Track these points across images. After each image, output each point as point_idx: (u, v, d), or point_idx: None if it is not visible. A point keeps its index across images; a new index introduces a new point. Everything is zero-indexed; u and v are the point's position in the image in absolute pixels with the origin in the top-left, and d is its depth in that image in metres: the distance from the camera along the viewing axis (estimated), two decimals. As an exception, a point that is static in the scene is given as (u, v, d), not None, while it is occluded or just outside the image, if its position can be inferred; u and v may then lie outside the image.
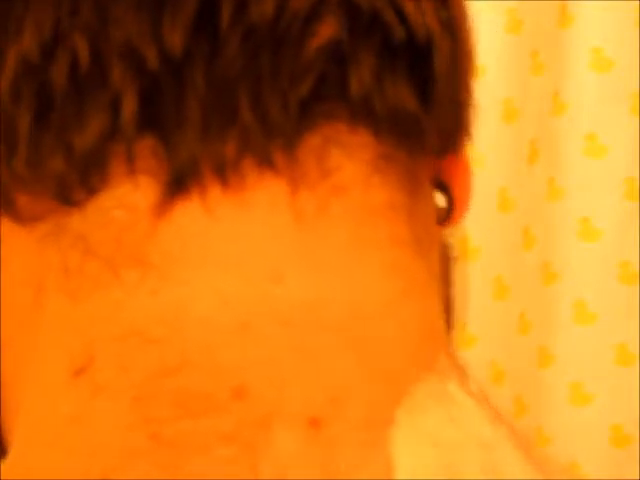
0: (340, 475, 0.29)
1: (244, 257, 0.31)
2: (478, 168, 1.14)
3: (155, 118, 0.31)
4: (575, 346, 1.21)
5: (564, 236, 1.20)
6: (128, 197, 0.31)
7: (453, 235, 1.27)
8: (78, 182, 0.31)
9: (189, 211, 0.31)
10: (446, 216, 0.37)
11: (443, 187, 0.37)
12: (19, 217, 0.32)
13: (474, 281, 1.17)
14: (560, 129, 1.18)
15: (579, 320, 1.21)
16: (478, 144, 1.28)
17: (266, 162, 0.31)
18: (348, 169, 0.32)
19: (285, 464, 0.29)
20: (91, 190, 0.31)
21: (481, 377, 1.14)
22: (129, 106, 0.31)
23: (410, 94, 0.33)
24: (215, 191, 0.31)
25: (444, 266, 0.38)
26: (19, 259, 0.33)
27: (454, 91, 0.36)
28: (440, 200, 0.38)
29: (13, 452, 0.31)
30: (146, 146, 0.31)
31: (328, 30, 0.32)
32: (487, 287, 1.17)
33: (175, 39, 0.31)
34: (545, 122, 1.18)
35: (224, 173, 0.31)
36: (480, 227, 1.16)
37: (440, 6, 0.35)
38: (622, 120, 1.18)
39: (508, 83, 1.14)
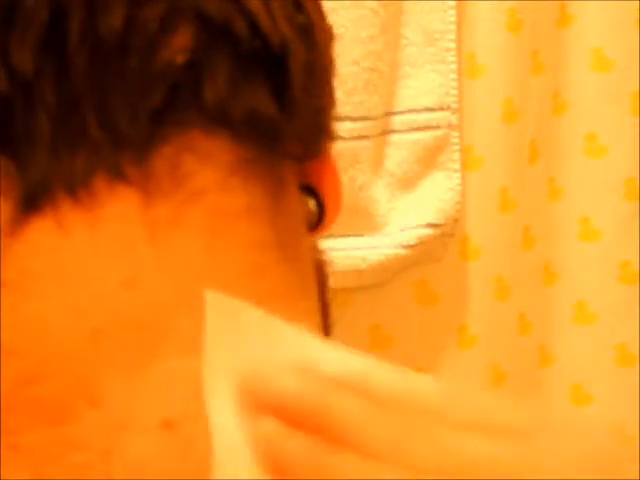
0: (195, 474, 0.30)
1: (96, 269, 0.31)
2: (478, 168, 1.14)
3: (7, 137, 0.31)
4: (575, 346, 1.21)
5: (564, 236, 1.20)
6: None
7: (454, 235, 1.27)
8: None
9: (42, 228, 0.31)
10: (317, 221, 0.38)
11: (313, 192, 0.38)
12: None
13: (474, 281, 1.17)
14: (560, 129, 1.18)
15: (579, 320, 1.21)
16: (478, 144, 1.28)
17: (117, 176, 0.32)
18: (203, 175, 0.33)
19: (139, 467, 0.30)
20: None
21: (481, 378, 1.14)
22: None
23: (267, 99, 0.34)
24: (67, 208, 0.31)
25: (319, 270, 0.39)
26: None
27: (312, 97, 0.36)
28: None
29: None
30: None
31: (180, 40, 0.32)
32: (487, 287, 1.17)
33: (24, 58, 0.31)
34: (545, 122, 1.18)
35: (74, 190, 0.31)
36: (480, 227, 1.16)
37: (295, 12, 0.35)
38: (622, 120, 1.18)
39: (508, 83, 1.14)
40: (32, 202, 0.31)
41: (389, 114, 1.10)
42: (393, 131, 1.10)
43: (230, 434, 0.29)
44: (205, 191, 0.33)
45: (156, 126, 0.32)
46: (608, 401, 1.20)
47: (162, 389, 0.31)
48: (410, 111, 1.10)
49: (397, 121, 1.10)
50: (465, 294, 1.17)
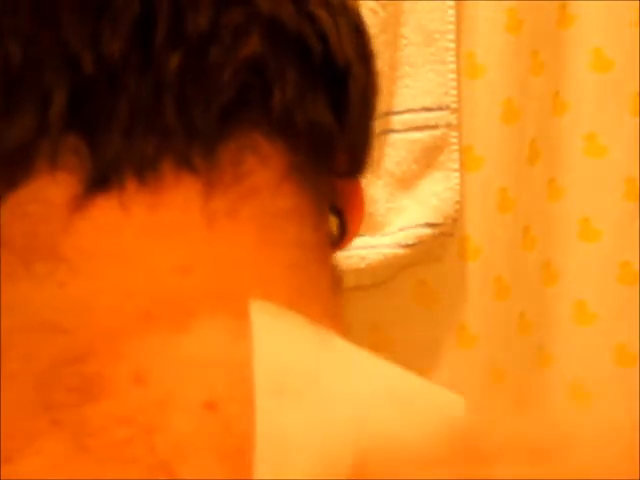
0: (235, 452, 0.31)
1: (153, 252, 0.33)
2: (477, 168, 1.14)
3: (84, 117, 0.33)
4: (575, 346, 1.20)
5: (564, 236, 1.19)
6: (46, 192, 0.32)
7: (454, 235, 1.27)
8: (1, 177, 0.32)
9: (105, 207, 0.33)
10: (337, 240, 0.40)
11: (337, 212, 0.40)
12: None
13: (474, 281, 1.17)
14: (560, 129, 1.18)
15: (579, 320, 1.21)
16: (478, 144, 1.27)
17: (185, 163, 0.33)
18: (260, 175, 0.35)
19: (181, 443, 0.31)
20: (12, 185, 0.33)
21: (481, 377, 1.14)
22: (58, 104, 0.32)
23: (328, 113, 0.36)
24: (132, 189, 0.33)
25: (335, 284, 0.40)
26: None
27: (364, 117, 0.39)
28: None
29: None
30: (70, 143, 0.33)
31: (255, 44, 0.34)
32: (487, 287, 1.17)
33: (113, 47, 0.33)
34: (545, 122, 1.18)
35: (142, 172, 0.33)
36: (480, 227, 1.16)
37: (355, 36, 0.38)
38: (622, 120, 1.18)
39: (508, 83, 1.14)
40: (101, 181, 0.32)
41: (388, 114, 1.10)
42: (392, 131, 1.10)
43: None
44: (260, 190, 0.35)
45: (225, 122, 0.34)
46: (608, 401, 1.20)
47: (207, 372, 0.32)
48: (409, 111, 1.10)
49: (396, 121, 1.10)
50: (465, 294, 1.17)
